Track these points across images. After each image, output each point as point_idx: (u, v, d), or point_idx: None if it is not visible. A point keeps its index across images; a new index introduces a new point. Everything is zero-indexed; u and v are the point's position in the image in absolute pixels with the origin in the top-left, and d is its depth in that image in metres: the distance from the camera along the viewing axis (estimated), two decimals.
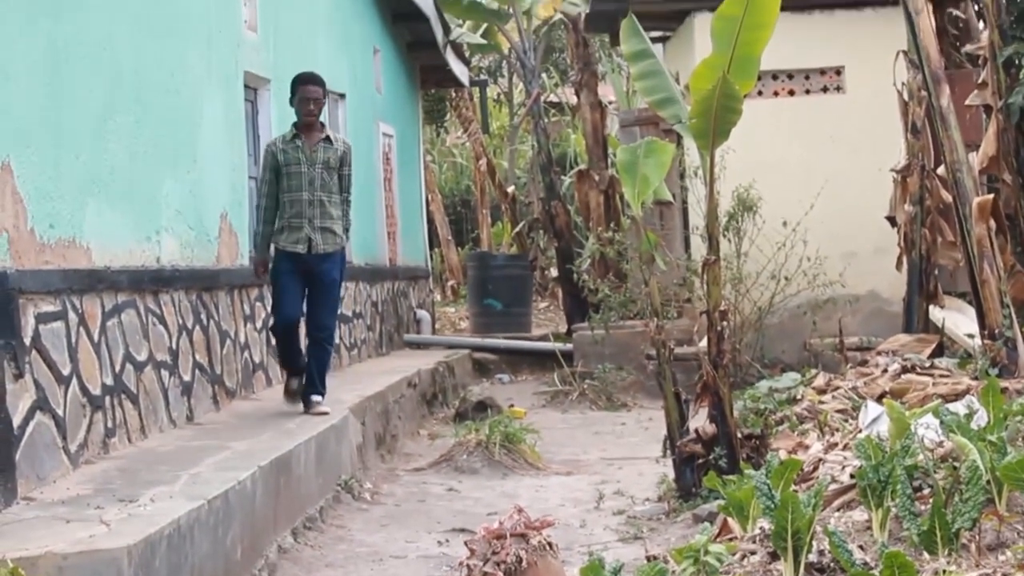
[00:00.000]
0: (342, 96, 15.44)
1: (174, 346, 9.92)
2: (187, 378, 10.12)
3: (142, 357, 9.29)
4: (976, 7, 16.66)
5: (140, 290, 9.39)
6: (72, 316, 8.21)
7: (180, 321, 10.11)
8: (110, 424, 8.62)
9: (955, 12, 17.01)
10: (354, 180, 10.79)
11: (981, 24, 15.86)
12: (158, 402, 9.52)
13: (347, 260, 10.61)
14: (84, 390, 8.23)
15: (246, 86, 12.21)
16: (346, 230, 10.47)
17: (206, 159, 10.97)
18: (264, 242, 10.42)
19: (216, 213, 11.19)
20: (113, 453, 8.56)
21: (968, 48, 15.60)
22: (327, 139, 10.29)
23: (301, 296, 10.34)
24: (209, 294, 10.82)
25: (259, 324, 12.04)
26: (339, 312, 10.83)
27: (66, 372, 7.98)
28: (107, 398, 8.61)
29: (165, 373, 9.69)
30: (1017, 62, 12.25)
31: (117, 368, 8.84)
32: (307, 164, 10.14)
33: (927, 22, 11.39)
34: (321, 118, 10.37)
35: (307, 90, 10.22)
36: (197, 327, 10.46)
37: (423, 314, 19.09)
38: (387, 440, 12.31)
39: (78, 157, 8.52)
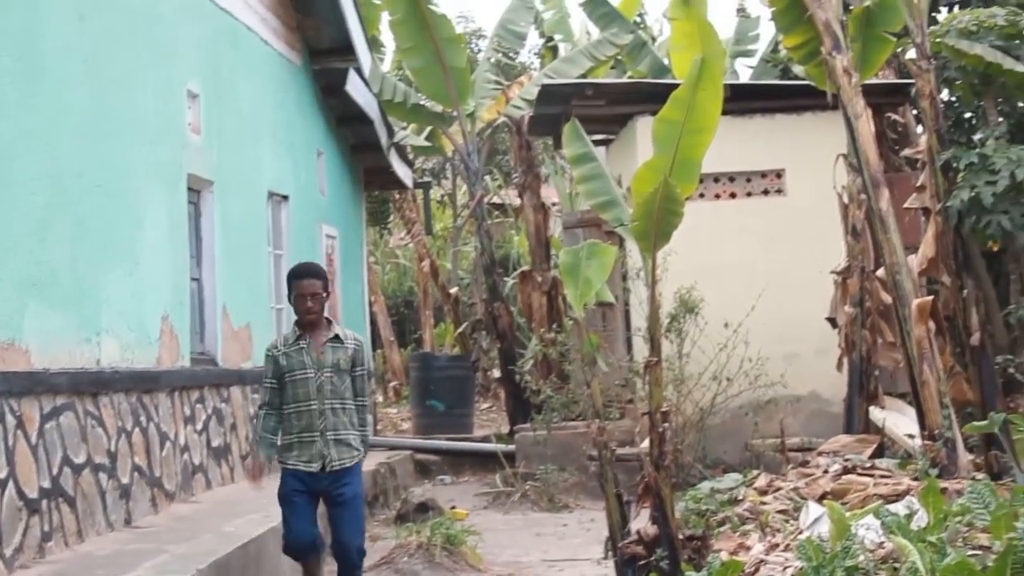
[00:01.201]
0: (285, 198, 15.46)
1: (113, 448, 9.84)
2: (125, 481, 10.03)
3: (80, 460, 9.21)
4: (914, 112, 16.92)
5: (79, 392, 9.33)
6: (10, 419, 8.14)
7: (119, 423, 10.04)
8: (47, 528, 8.53)
9: (894, 116, 17.28)
10: (368, 382, 9.15)
11: (919, 128, 16.11)
12: (96, 505, 9.42)
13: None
14: (21, 493, 8.15)
15: (189, 188, 12.22)
16: (364, 440, 8.85)
17: (148, 261, 10.95)
18: (264, 444, 8.87)
19: (157, 315, 11.15)
20: (49, 557, 8.46)
21: (907, 152, 15.83)
22: (335, 338, 8.70)
23: (314, 516, 8.89)
24: (149, 396, 10.75)
25: (199, 426, 11.97)
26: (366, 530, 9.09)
27: (2, 475, 7.91)
28: (44, 501, 8.53)
29: (103, 476, 9.61)
30: (955, 166, 12.42)
31: (55, 471, 8.76)
32: (314, 369, 8.58)
33: (866, 126, 11.55)
34: (317, 306, 8.65)
35: (302, 285, 8.64)
36: (136, 429, 10.38)
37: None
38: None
39: (19, 259, 8.49)
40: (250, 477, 9.14)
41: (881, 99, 15.90)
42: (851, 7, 12.90)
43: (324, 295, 8.68)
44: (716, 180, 16.22)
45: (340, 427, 8.62)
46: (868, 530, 7.55)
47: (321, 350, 8.61)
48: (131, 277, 10.56)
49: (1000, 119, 14.79)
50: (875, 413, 13.46)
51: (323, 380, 8.56)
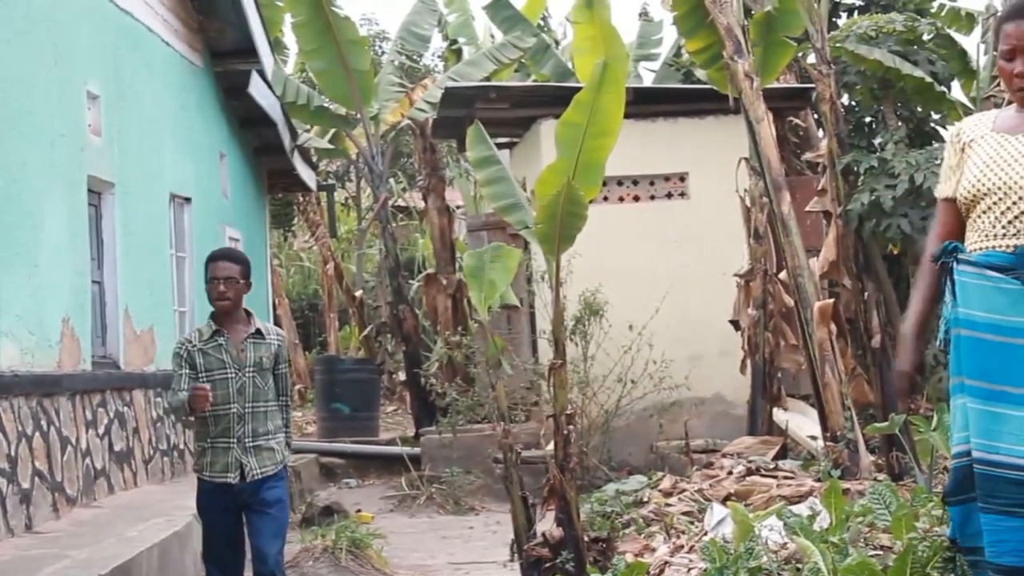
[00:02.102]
0: (188, 200, 15.34)
1: (13, 453, 9.71)
2: (26, 486, 9.90)
3: None
4: (815, 116, 17.09)
5: None
6: None
7: (19, 428, 9.91)
8: None
9: (795, 121, 17.45)
10: (291, 380, 8.10)
11: (820, 132, 16.26)
12: None
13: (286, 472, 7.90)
14: None
15: (90, 190, 12.08)
16: (288, 443, 7.93)
17: (48, 263, 10.82)
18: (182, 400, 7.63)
19: (58, 318, 11.02)
20: None
21: (808, 156, 16.00)
22: (257, 333, 7.72)
23: (237, 542, 7.84)
24: (50, 400, 10.62)
25: (101, 430, 11.85)
26: (286, 538, 7.96)
27: None
28: None
29: (3, 481, 9.48)
30: (855, 170, 12.58)
31: None
32: (234, 368, 7.61)
33: (768, 130, 11.65)
34: (231, 292, 7.66)
35: (216, 267, 7.67)
36: (37, 433, 10.25)
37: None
38: None
39: None
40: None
41: (782, 103, 16.05)
42: (752, 12, 13.01)
43: (242, 282, 7.70)
44: (620, 183, 16.29)
45: (260, 432, 7.65)
46: (771, 531, 7.60)
47: (241, 347, 7.65)
48: (30, 280, 10.44)
49: (899, 123, 14.99)
50: (778, 415, 13.59)
51: (244, 381, 7.60)
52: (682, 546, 8.74)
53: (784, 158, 13.50)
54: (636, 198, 16.47)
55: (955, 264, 5.07)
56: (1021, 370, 4.88)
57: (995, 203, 5.02)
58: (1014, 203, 4.99)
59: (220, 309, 7.67)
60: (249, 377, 7.63)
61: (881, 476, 10.24)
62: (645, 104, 15.86)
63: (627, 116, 9.42)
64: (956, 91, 15.88)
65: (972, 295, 4.99)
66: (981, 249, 5.02)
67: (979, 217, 5.08)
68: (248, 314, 7.78)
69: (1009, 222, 4.99)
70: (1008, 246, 4.95)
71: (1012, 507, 4.87)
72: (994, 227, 5.01)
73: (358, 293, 24.30)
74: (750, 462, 11.43)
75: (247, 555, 7.90)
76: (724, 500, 9.85)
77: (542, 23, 24.50)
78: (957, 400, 5.09)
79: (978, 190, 5.07)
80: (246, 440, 7.62)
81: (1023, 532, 4.87)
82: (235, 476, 7.62)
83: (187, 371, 7.63)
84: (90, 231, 12.15)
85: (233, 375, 7.62)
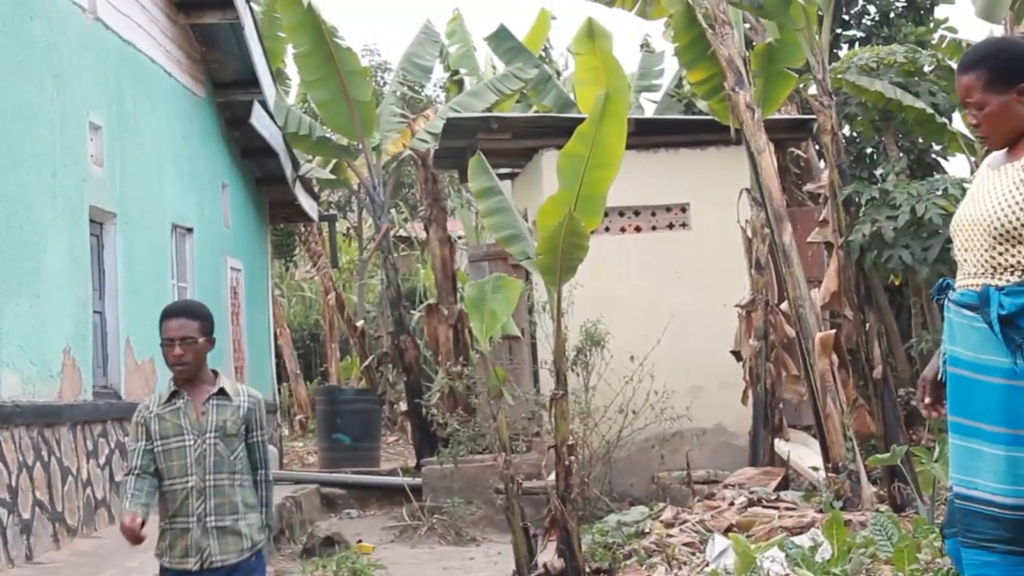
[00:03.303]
0: (189, 231, 15.36)
1: (13, 483, 9.70)
2: (26, 516, 9.89)
3: None
4: (816, 147, 17.12)
5: None
6: None
7: (20, 458, 9.90)
8: None
9: (796, 152, 17.47)
10: (270, 451, 7.11)
11: (822, 163, 16.28)
12: None
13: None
14: None
15: (92, 220, 12.10)
16: (266, 525, 6.68)
17: (50, 294, 10.83)
18: (133, 503, 6.39)
19: (59, 348, 11.02)
20: None
21: (809, 187, 16.00)
22: (221, 393, 6.59)
23: None
24: (51, 430, 10.62)
25: (102, 460, 11.84)
26: None
27: None
28: None
29: (3, 511, 9.47)
30: (857, 200, 12.58)
31: None
32: (193, 435, 6.44)
33: (769, 161, 11.67)
34: (190, 355, 6.59)
35: (169, 327, 6.57)
36: (38, 464, 10.25)
37: (270, 449, 18.87)
38: None
39: None
40: (126, 533, 6.37)
41: (784, 134, 16.06)
42: (754, 43, 13.05)
43: (201, 341, 6.57)
44: (621, 214, 16.29)
45: (225, 510, 6.41)
46: (773, 562, 7.60)
47: (202, 410, 6.49)
48: (32, 310, 10.44)
49: (900, 155, 15.02)
50: (780, 446, 13.57)
51: (205, 449, 6.41)
52: None
53: (785, 189, 13.52)
54: (637, 229, 16.47)
55: (947, 302, 5.12)
56: (991, 407, 4.92)
57: (968, 239, 5.07)
58: (975, 238, 5.04)
59: (179, 376, 6.53)
60: (210, 444, 6.42)
61: (883, 507, 10.23)
62: (647, 135, 15.88)
63: (628, 147, 9.44)
64: (957, 122, 15.89)
65: (956, 333, 5.05)
66: (961, 287, 5.08)
67: (958, 253, 5.14)
68: (215, 374, 6.68)
69: (974, 261, 5.03)
70: (978, 284, 4.99)
71: (989, 542, 4.93)
72: (968, 264, 5.07)
73: (359, 323, 24.29)
74: (752, 493, 11.42)
75: None
76: (726, 531, 9.83)
77: (544, 54, 24.54)
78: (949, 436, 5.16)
79: (955, 225, 5.16)
80: (207, 519, 6.38)
81: (1001, 568, 4.91)
82: (195, 562, 6.43)
83: (143, 443, 6.44)
84: (92, 261, 12.16)
85: (191, 442, 6.43)
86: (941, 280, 5.21)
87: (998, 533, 4.92)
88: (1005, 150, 5.12)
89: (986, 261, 4.97)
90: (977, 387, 4.98)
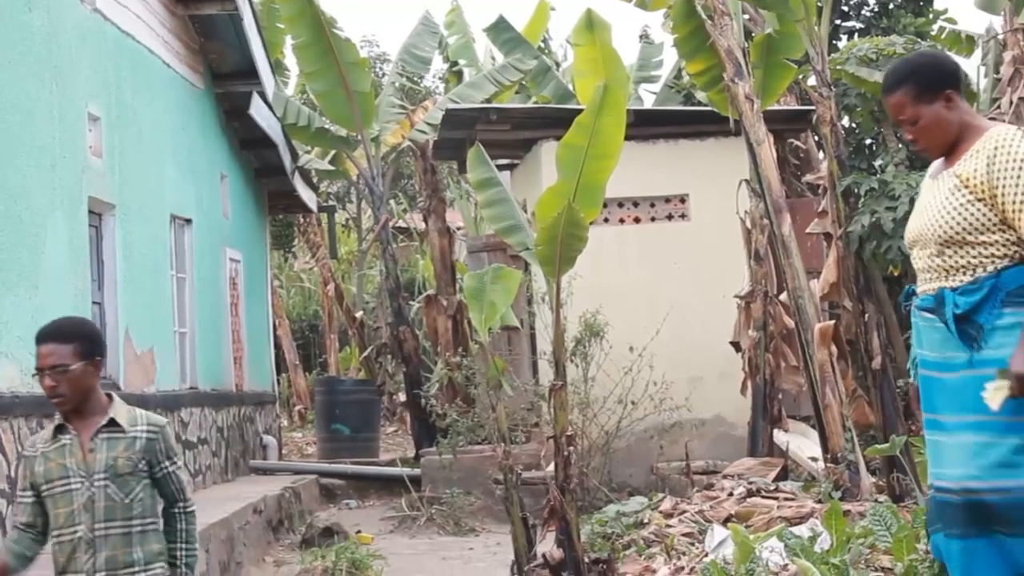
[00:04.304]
0: (188, 221, 15.36)
1: (12, 474, 9.71)
2: None
3: None
4: (816, 138, 17.12)
5: None
6: None
7: (19, 448, 9.90)
8: None
9: (796, 143, 17.47)
10: (186, 479, 5.71)
11: (821, 154, 16.28)
12: None
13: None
14: None
15: (91, 211, 12.10)
16: (186, 566, 5.63)
17: (49, 284, 10.82)
18: (11, 555, 5.60)
19: None
20: None
21: (808, 178, 16.01)
22: (111, 424, 5.49)
23: None
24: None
25: None
26: None
27: None
28: None
29: (3, 502, 9.48)
30: (856, 191, 12.58)
31: None
32: (80, 476, 5.41)
33: (768, 152, 11.67)
34: (65, 386, 5.45)
35: (40, 354, 5.47)
36: None
37: (269, 440, 18.89)
38: (232, 568, 12.12)
39: None
40: None
41: (783, 125, 16.05)
42: (753, 34, 13.03)
43: (77, 367, 5.43)
44: (620, 205, 16.30)
45: (119, 564, 5.40)
46: (772, 552, 7.60)
47: (90, 446, 5.44)
48: (31, 301, 10.44)
49: (899, 145, 15.01)
50: (779, 436, 13.58)
51: (94, 493, 5.40)
52: (683, 567, 8.74)
53: (784, 180, 13.52)
54: (637, 220, 16.47)
55: (913, 308, 5.37)
56: (949, 400, 5.14)
57: (921, 248, 5.30)
58: (926, 247, 5.27)
59: (58, 409, 5.52)
60: (99, 488, 5.40)
61: (882, 497, 10.24)
62: (646, 126, 15.87)
63: (628, 138, 9.44)
64: None
65: (922, 336, 5.30)
66: (921, 292, 5.31)
67: (914, 262, 5.38)
68: (109, 397, 5.60)
69: (928, 267, 5.26)
70: (933, 288, 5.22)
71: (953, 527, 5.09)
72: (923, 271, 5.30)
73: (358, 314, 24.32)
74: (751, 483, 11.43)
75: None
76: (725, 521, 9.85)
77: (543, 45, 24.55)
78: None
79: (908, 237, 5.41)
80: (99, 575, 5.40)
81: (975, 554, 5.04)
82: None
83: (29, 494, 5.53)
84: (91, 252, 12.16)
85: (78, 486, 5.42)
86: (908, 287, 5.44)
87: (963, 517, 5.07)
88: (943, 159, 5.33)
89: (938, 266, 5.20)
90: (938, 384, 5.20)
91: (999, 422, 4.95)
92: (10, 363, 9.93)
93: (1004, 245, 5.07)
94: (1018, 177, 5.00)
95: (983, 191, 5.07)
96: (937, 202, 5.22)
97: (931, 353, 5.22)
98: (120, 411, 5.52)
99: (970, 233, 5.10)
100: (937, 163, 5.38)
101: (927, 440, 5.28)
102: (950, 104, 5.22)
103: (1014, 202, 5.00)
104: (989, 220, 5.07)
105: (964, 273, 5.12)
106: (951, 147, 5.26)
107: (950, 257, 5.16)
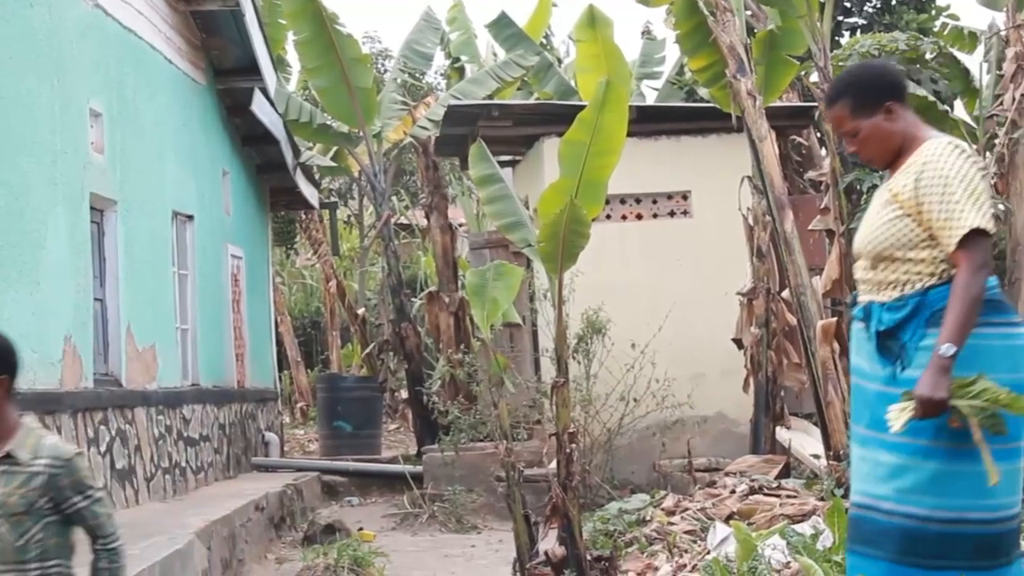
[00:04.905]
0: (190, 218, 15.35)
1: None
2: None
3: None
4: (818, 135, 17.09)
5: None
6: None
7: None
8: None
9: (798, 139, 17.43)
10: (107, 514, 5.11)
11: (823, 151, 16.26)
12: None
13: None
14: None
15: (92, 208, 12.09)
16: None
17: (50, 281, 10.81)
18: None
19: (60, 335, 11.01)
20: None
21: (811, 174, 15.98)
22: (7, 458, 4.89)
23: None
24: (52, 417, 10.61)
25: (103, 447, 11.83)
26: None
27: None
28: None
29: None
30: (858, 188, 12.57)
31: None
32: None
33: (770, 149, 11.64)
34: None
35: None
36: None
37: (271, 436, 18.90)
38: (233, 565, 12.11)
39: None
40: None
41: (785, 122, 16.04)
42: (755, 31, 13.01)
43: None
44: (622, 202, 16.28)
45: None
46: (774, 550, 7.60)
47: None
48: (32, 297, 10.43)
49: None
50: (781, 433, 13.56)
51: None
52: (685, 565, 8.73)
53: (787, 177, 13.49)
54: (639, 216, 16.46)
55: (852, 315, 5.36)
56: (873, 413, 5.07)
57: (860, 260, 5.29)
58: (863, 259, 5.26)
59: None
60: None
61: None
62: (648, 122, 15.86)
63: (630, 134, 9.42)
64: (959, 110, 15.88)
65: (856, 345, 5.27)
66: (859, 303, 5.29)
67: (855, 273, 5.37)
68: (17, 426, 5.04)
69: (864, 279, 5.26)
70: (864, 301, 5.22)
71: (856, 544, 5.09)
72: (860, 283, 5.30)
73: (360, 311, 24.29)
74: (753, 481, 11.41)
75: None
76: (727, 519, 9.83)
77: (545, 41, 24.52)
78: None
79: (854, 248, 5.36)
80: None
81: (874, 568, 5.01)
82: None
83: None
84: (92, 249, 12.15)
85: None
86: (853, 294, 5.41)
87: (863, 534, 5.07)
88: (889, 169, 5.27)
89: (871, 279, 5.18)
90: (861, 393, 5.17)
91: (919, 445, 4.88)
92: None
93: (932, 263, 4.99)
94: (942, 193, 4.92)
95: (911, 206, 5.01)
96: (872, 216, 5.20)
97: (861, 362, 5.17)
98: (25, 441, 4.92)
99: (899, 249, 5.04)
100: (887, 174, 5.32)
101: (852, 454, 5.23)
102: (891, 116, 5.16)
103: (938, 218, 4.92)
104: (917, 236, 5.01)
105: (893, 288, 5.08)
106: (895, 157, 5.20)
107: (882, 271, 5.12)
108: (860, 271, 5.24)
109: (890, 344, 5.02)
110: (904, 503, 4.90)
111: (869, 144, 5.23)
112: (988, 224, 4.86)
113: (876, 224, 5.13)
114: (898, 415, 4.85)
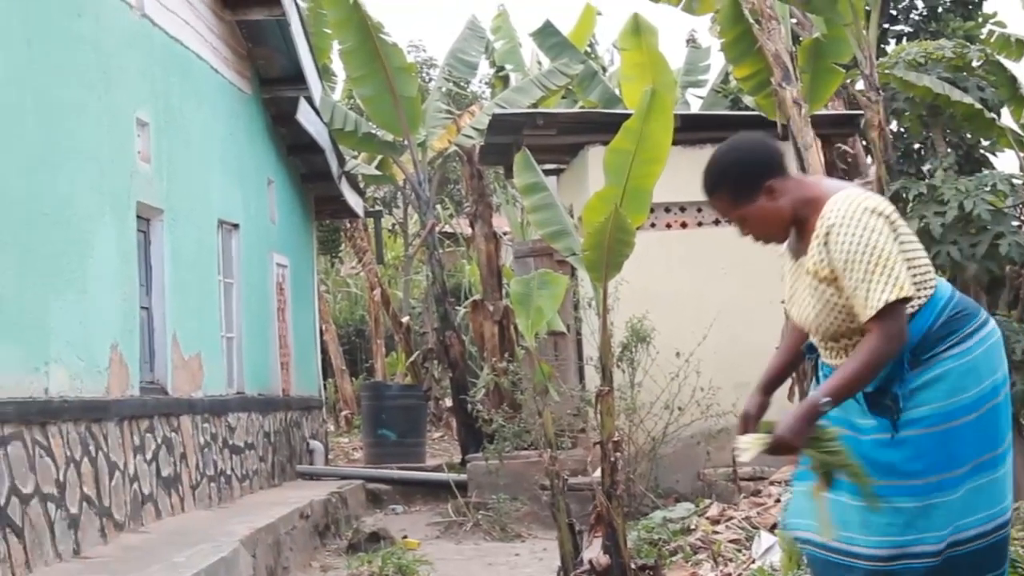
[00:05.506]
0: (236, 227, 15.41)
1: (61, 478, 9.75)
2: (74, 511, 9.94)
3: (28, 489, 9.12)
4: (864, 143, 17.03)
5: (27, 422, 9.25)
6: None
7: (68, 453, 9.95)
8: None
9: (843, 147, 17.38)
10: None
11: (869, 159, 16.20)
12: (44, 536, 9.33)
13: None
14: None
15: (139, 216, 12.16)
16: None
17: (97, 290, 10.88)
18: None
19: (107, 343, 11.07)
20: None
21: (856, 182, 15.89)
22: None
23: None
24: (98, 425, 10.67)
25: (149, 455, 11.89)
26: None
27: None
28: None
29: (52, 506, 9.52)
30: (904, 196, 12.49)
31: (1, 501, 8.68)
32: None
33: (816, 157, 11.63)
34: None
35: None
36: (85, 459, 10.30)
37: (316, 445, 18.94)
38: (278, 573, 12.14)
39: None
40: None
41: (830, 130, 15.98)
42: (801, 39, 12.98)
43: None
44: (667, 210, 16.24)
45: None
46: None
47: None
48: (79, 306, 10.49)
49: (948, 150, 14.90)
50: None
51: None
52: (730, 574, 8.71)
53: None
54: (684, 224, 16.42)
55: (819, 362, 5.26)
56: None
57: (812, 335, 5.17)
58: (816, 336, 5.14)
59: None
60: None
61: None
62: (692, 131, 15.80)
63: (675, 143, 9.43)
64: (1006, 118, 15.79)
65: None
66: (823, 361, 5.20)
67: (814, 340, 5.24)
68: None
69: (823, 347, 5.14)
70: (834, 365, 5.06)
71: None
72: (822, 349, 5.18)
73: (405, 319, 24.34)
74: None
75: None
76: (772, 528, 9.80)
77: (589, 50, 24.53)
78: None
79: (791, 313, 5.26)
80: None
81: None
82: None
83: None
84: (139, 257, 12.22)
85: None
86: (807, 343, 5.26)
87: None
88: (796, 236, 5.14)
89: (833, 347, 5.05)
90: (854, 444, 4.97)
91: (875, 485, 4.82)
92: (59, 368, 9.98)
93: None
94: (849, 269, 4.80)
95: (832, 278, 4.88)
96: (804, 298, 5.06)
97: (850, 417, 4.99)
98: None
99: (850, 323, 4.91)
100: (792, 240, 5.18)
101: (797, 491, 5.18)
102: (773, 195, 5.04)
103: (852, 294, 4.80)
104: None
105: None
106: (796, 225, 5.08)
107: (842, 344, 5.00)
108: (816, 341, 5.14)
109: (879, 399, 4.89)
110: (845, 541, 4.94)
111: (759, 227, 5.15)
112: (900, 292, 4.72)
113: (814, 310, 5.00)
114: (749, 446, 4.85)
